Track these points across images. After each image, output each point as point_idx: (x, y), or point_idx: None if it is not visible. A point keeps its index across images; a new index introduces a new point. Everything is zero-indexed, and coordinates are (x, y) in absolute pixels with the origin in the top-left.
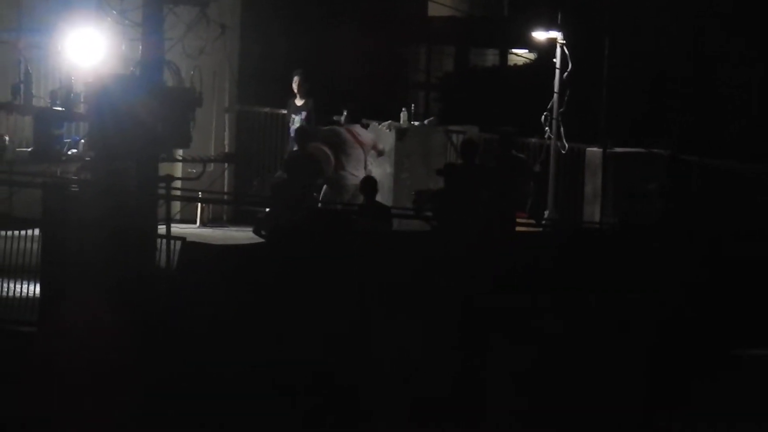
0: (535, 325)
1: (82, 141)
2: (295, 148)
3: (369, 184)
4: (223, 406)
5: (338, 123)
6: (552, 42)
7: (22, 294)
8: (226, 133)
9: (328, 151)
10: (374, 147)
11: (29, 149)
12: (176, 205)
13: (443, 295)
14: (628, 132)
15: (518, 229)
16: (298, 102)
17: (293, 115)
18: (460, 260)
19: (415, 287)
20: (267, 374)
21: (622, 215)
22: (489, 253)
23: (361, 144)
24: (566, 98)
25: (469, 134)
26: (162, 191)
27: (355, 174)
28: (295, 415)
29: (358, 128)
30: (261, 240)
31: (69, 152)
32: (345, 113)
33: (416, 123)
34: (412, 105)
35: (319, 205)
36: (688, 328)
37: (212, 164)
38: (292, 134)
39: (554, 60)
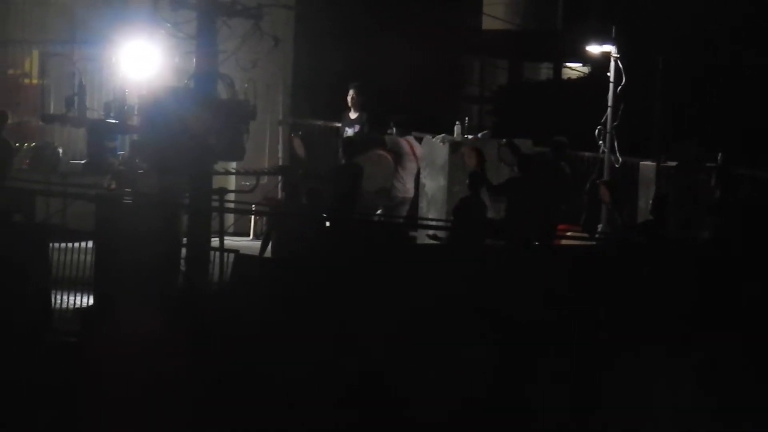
0: (580, 338)
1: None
2: (342, 161)
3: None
4: (273, 415)
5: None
6: (606, 55)
7: (77, 305)
8: (280, 146)
9: (391, 159)
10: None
11: (83, 161)
12: (230, 218)
13: (487, 308)
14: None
15: (571, 242)
16: (352, 115)
17: (346, 128)
18: (499, 274)
19: (460, 298)
20: (316, 384)
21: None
22: (532, 265)
23: (416, 157)
24: (620, 112)
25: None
26: (215, 204)
27: (407, 187)
28: (343, 422)
29: (413, 140)
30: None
31: None
32: (393, 126)
33: (470, 136)
34: (466, 118)
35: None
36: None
37: (266, 177)
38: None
39: (608, 74)
